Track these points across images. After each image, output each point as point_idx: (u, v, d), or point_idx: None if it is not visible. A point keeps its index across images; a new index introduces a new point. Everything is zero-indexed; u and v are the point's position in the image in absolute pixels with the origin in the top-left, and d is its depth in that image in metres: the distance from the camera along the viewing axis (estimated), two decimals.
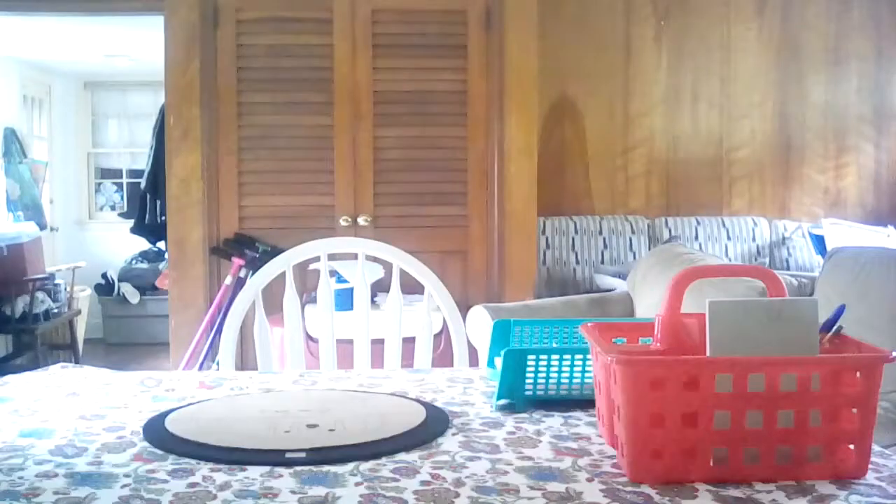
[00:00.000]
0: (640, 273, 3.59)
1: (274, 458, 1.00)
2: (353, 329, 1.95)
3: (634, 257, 4.85)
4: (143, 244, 6.69)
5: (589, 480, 0.94)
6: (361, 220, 4.20)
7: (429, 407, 1.21)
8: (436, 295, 1.92)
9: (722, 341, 0.97)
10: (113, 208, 7.47)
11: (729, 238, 5.20)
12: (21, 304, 5.27)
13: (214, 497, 0.89)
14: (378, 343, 1.94)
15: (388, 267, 1.97)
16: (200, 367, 3.95)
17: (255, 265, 3.84)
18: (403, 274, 1.94)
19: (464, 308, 2.70)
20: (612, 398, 1.00)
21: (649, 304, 3.30)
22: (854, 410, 0.94)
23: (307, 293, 3.77)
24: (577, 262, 4.88)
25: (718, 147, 5.47)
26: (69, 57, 6.46)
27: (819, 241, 4.98)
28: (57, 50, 6.17)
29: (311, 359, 2.00)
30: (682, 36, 5.37)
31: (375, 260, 2.07)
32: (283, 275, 1.92)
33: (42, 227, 6.28)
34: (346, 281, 3.45)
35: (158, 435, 1.10)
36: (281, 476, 0.95)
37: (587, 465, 0.99)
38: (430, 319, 1.95)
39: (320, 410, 1.20)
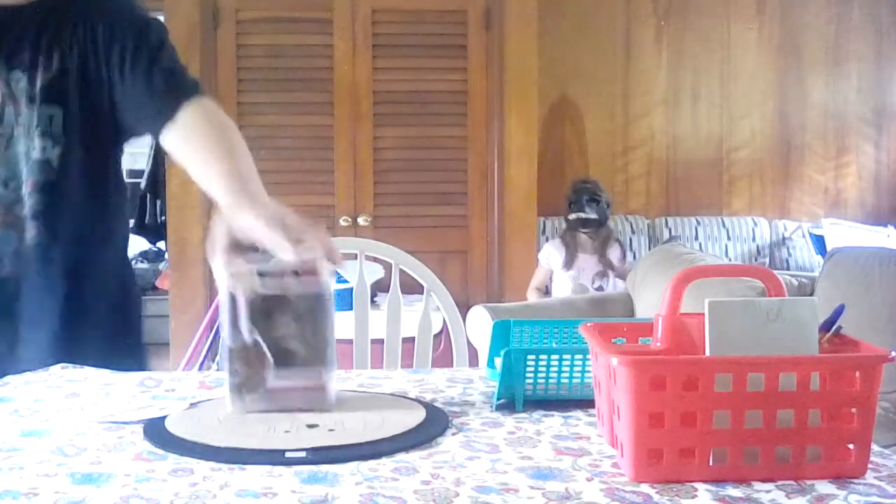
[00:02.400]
0: (640, 273, 3.59)
1: (274, 458, 1.00)
2: (353, 329, 1.95)
3: (634, 257, 4.85)
4: (143, 244, 6.68)
5: (589, 480, 0.94)
6: (361, 220, 4.21)
7: (429, 407, 1.21)
8: (436, 295, 1.92)
9: (721, 341, 0.97)
10: None
11: (729, 238, 5.21)
12: None
13: (214, 497, 0.90)
14: (378, 343, 1.94)
15: (387, 267, 1.97)
16: (200, 368, 3.94)
17: None
18: (403, 274, 1.94)
19: (464, 308, 2.70)
20: (612, 398, 1.00)
21: (649, 304, 3.30)
22: (853, 410, 0.94)
23: None
24: None
25: (718, 147, 5.47)
26: None
27: (819, 241, 4.99)
28: None
29: None
30: (682, 36, 5.37)
31: (375, 260, 2.07)
32: None
33: None
34: (345, 281, 3.44)
35: (158, 435, 1.10)
36: (281, 476, 0.95)
37: (587, 464, 0.99)
38: (430, 319, 1.94)
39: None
